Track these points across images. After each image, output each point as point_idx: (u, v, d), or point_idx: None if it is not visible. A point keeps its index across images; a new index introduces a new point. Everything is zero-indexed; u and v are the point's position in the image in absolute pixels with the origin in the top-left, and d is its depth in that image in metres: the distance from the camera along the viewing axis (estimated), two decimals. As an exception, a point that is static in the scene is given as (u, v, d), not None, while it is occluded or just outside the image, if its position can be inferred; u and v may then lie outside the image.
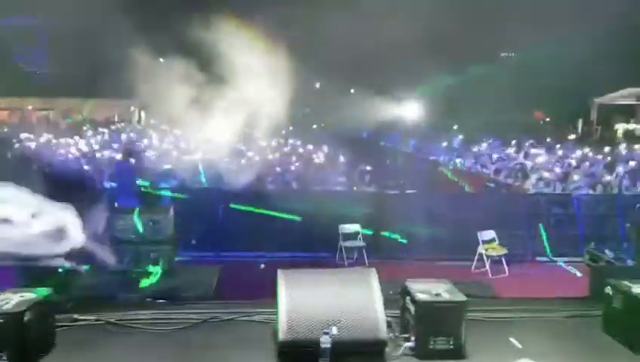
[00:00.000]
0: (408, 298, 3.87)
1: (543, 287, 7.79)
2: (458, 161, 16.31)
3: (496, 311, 4.50)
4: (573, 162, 13.93)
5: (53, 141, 15.96)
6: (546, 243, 10.60)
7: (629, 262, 7.42)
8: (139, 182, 9.63)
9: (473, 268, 11.20)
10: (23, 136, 16.36)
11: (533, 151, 16.27)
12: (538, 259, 11.92)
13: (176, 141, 15.98)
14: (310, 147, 17.06)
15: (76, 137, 16.40)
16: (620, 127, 27.78)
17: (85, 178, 10.97)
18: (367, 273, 3.94)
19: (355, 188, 12.62)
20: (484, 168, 14.47)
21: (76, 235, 4.93)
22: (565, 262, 10.85)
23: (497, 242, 11.31)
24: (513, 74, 30.79)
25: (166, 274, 5.99)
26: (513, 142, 17.96)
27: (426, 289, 3.83)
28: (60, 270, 5.31)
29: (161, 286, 5.45)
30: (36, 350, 3.61)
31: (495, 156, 15.78)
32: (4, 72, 20.19)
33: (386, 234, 10.65)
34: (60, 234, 4.80)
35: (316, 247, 11.48)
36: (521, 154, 15.53)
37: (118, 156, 12.57)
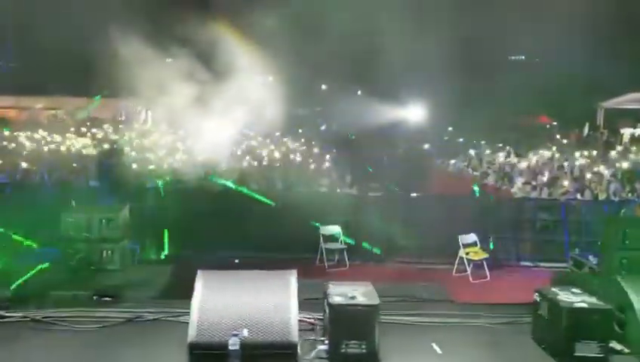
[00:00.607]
0: (325, 301, 3.86)
1: (511, 292, 7.69)
2: (452, 162, 16.20)
3: (427, 316, 4.46)
4: (565, 166, 13.73)
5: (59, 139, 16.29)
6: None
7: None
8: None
9: (454, 271, 11.12)
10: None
11: (523, 155, 16.10)
12: (523, 263, 11.80)
13: (173, 140, 16.14)
14: (301, 147, 17.12)
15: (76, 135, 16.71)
16: (627, 132, 27.35)
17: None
18: (287, 275, 3.93)
19: (338, 189, 12.62)
20: (475, 171, 14.34)
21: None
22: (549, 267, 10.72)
23: (479, 246, 11.22)
24: (522, 77, 30.50)
25: (118, 273, 6.03)
26: (507, 146, 17.78)
27: (343, 292, 3.82)
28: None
29: (111, 284, 5.49)
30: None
31: (487, 159, 15.63)
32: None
33: (363, 243, 10.69)
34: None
35: (297, 248, 11.50)
36: (513, 158, 15.36)
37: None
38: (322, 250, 11.62)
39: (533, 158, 15.33)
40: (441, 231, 11.35)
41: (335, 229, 11.92)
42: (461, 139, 21.78)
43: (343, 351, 3.63)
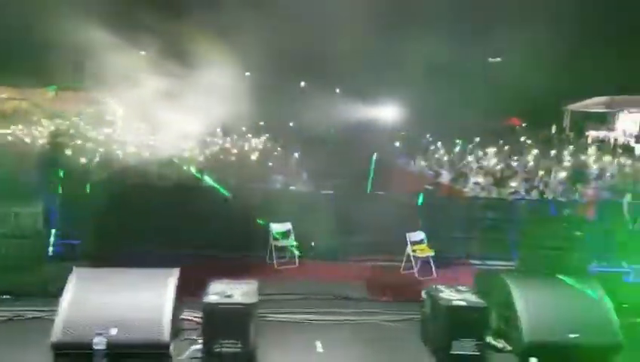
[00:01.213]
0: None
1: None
2: (411, 162, 16.28)
3: (326, 314, 4.44)
4: (514, 165, 13.89)
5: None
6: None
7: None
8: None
9: (402, 269, 11.17)
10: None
11: (479, 155, 16.27)
12: (471, 261, 11.89)
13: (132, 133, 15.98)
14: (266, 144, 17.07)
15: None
16: (591, 134, 27.83)
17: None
18: (166, 275, 3.88)
19: (292, 187, 12.59)
20: (430, 171, 14.42)
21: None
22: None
23: (426, 243, 11.28)
24: (497, 79, 30.81)
25: (25, 269, 5.89)
26: (470, 145, 17.94)
27: (222, 291, 3.78)
28: None
29: (14, 280, 5.36)
30: None
31: (444, 159, 15.75)
32: None
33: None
34: None
35: (248, 246, 11.45)
36: (470, 158, 15.49)
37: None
38: (272, 247, 11.59)
39: (491, 159, 15.48)
40: (392, 228, 11.41)
41: (286, 227, 11.89)
42: (429, 139, 21.94)
43: (217, 350, 3.59)
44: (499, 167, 13.89)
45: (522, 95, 29.74)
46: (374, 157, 16.02)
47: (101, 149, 13.20)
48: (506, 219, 11.32)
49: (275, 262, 11.74)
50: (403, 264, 11.53)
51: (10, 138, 14.55)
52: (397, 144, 20.35)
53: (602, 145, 23.40)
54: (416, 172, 15.25)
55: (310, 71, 29.81)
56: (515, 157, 15.53)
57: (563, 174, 12.30)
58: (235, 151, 14.78)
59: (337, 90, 34.07)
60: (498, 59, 39.23)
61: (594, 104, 28.58)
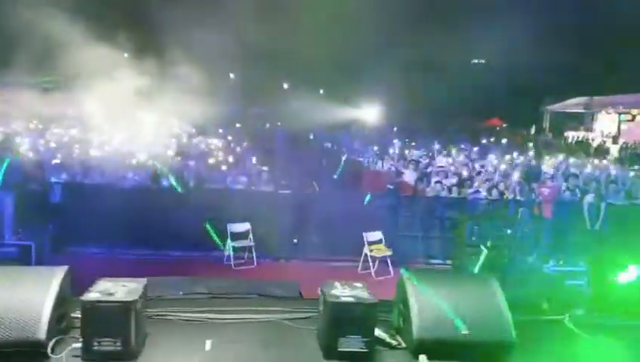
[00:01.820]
0: (86, 297, 3.73)
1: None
2: (379, 163, 16.31)
3: (225, 313, 4.37)
4: (477, 167, 13.91)
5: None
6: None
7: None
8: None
9: (360, 268, 11.17)
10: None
11: (442, 155, 16.35)
12: (432, 261, 11.93)
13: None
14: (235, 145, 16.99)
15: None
16: (570, 135, 27.97)
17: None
18: (52, 271, 3.81)
19: (253, 187, 12.59)
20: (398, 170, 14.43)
21: None
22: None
23: (384, 243, 11.27)
24: (479, 80, 30.94)
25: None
26: (437, 146, 17.99)
27: (105, 289, 3.71)
28: None
29: None
30: None
31: (412, 159, 15.76)
32: None
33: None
34: None
35: (206, 246, 11.39)
36: (437, 159, 15.53)
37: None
38: (229, 247, 11.53)
39: (457, 158, 15.52)
40: (352, 228, 11.40)
41: (244, 227, 11.83)
42: (402, 141, 21.97)
43: (95, 348, 3.52)
44: (465, 167, 13.91)
45: (503, 95, 29.91)
46: (343, 157, 16.07)
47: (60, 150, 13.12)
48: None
49: (232, 262, 11.69)
50: (360, 264, 11.51)
51: None
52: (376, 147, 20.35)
53: (571, 145, 23.51)
54: (383, 172, 15.30)
55: (294, 72, 29.83)
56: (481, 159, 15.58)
57: (517, 174, 12.36)
58: (199, 151, 14.73)
59: (321, 91, 34.12)
60: (482, 60, 39.39)
61: (573, 105, 28.70)
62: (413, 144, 19.83)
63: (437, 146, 18.88)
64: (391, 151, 17.73)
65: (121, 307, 3.55)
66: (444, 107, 30.73)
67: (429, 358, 3.69)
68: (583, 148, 22.83)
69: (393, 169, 14.36)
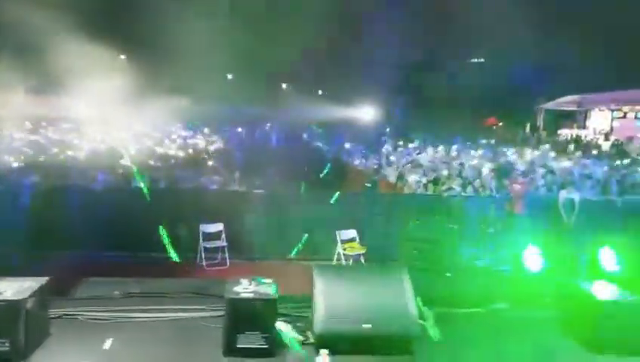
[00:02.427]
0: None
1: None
2: (362, 161, 16.22)
3: (140, 312, 4.28)
4: (455, 164, 13.74)
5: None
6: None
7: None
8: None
9: (334, 266, 10.99)
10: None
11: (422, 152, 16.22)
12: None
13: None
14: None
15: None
16: (563, 133, 27.76)
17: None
18: None
19: (225, 186, 12.48)
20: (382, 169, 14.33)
21: None
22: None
23: (358, 241, 11.11)
24: (478, 79, 30.77)
25: None
26: (417, 143, 17.87)
27: (9, 288, 3.63)
28: None
29: None
30: None
31: (393, 158, 15.64)
32: None
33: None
34: None
35: (178, 246, 11.25)
36: (418, 157, 15.37)
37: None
38: (201, 248, 11.38)
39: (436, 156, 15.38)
40: (323, 227, 11.24)
41: (217, 227, 11.70)
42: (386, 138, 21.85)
43: None
44: (445, 164, 13.76)
45: (500, 94, 29.73)
46: (330, 156, 15.96)
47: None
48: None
49: (204, 263, 11.56)
50: (334, 262, 11.36)
51: None
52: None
53: (557, 143, 23.30)
54: (365, 171, 15.18)
55: (292, 73, 29.83)
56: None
57: (487, 170, 12.20)
58: (172, 153, 14.67)
59: (320, 92, 34.12)
60: (482, 59, 39.25)
61: (566, 102, 28.41)
62: (400, 143, 19.63)
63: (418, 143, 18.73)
64: (383, 150, 17.53)
65: (8, 306, 3.46)
66: (444, 106, 30.50)
67: (332, 353, 3.57)
68: (566, 144, 22.65)
69: (375, 167, 14.27)
